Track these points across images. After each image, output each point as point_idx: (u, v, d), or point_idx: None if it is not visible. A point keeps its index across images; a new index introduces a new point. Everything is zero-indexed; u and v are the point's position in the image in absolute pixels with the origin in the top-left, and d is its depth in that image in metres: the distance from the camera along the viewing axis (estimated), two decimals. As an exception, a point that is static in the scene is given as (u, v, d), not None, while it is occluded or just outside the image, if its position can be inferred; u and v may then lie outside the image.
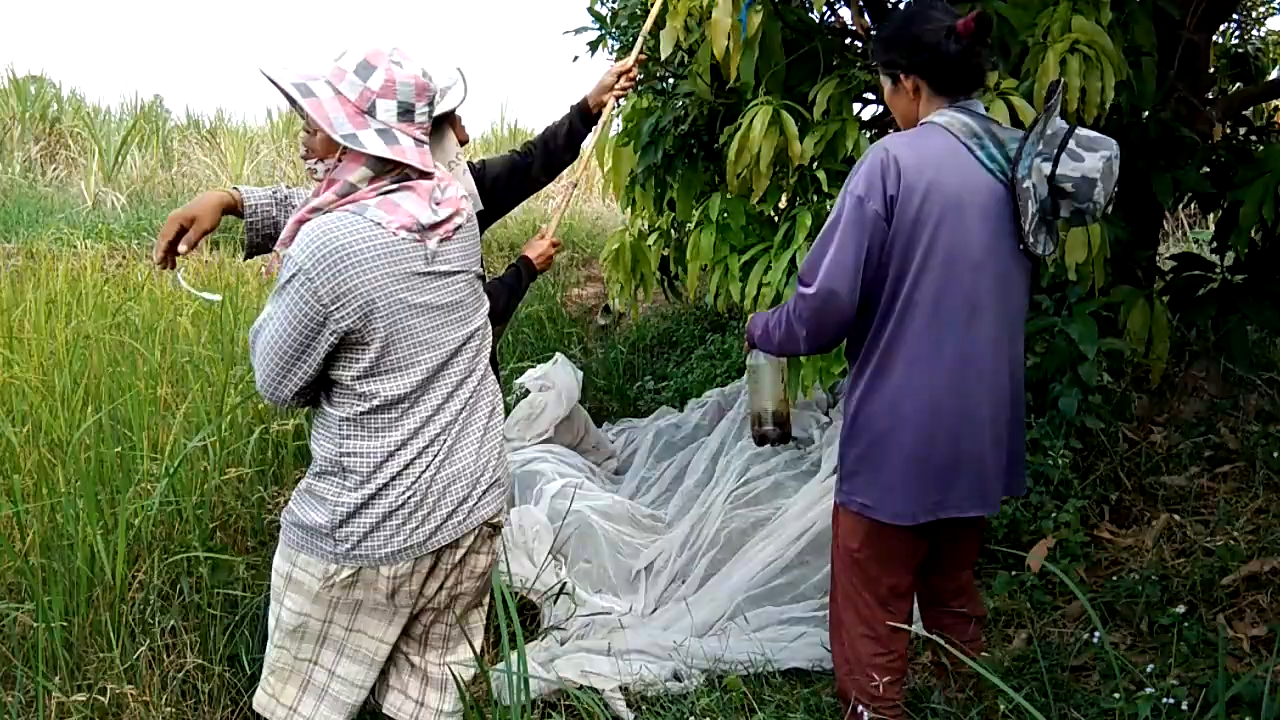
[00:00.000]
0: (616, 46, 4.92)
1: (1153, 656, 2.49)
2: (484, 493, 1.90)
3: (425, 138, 1.76)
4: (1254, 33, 4.91)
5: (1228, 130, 3.66)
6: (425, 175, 1.76)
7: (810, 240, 3.06)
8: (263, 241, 2.00)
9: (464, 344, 1.84)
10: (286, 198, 1.97)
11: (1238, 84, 4.26)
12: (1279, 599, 2.58)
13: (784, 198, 3.48)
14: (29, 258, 6.34)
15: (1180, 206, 4.79)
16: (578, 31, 4.91)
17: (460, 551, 1.88)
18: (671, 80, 4.33)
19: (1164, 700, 2.01)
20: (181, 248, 1.85)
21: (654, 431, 4.37)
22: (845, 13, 4.24)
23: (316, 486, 1.79)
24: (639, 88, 4.38)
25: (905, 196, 1.83)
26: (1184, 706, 2.00)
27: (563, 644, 2.76)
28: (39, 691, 1.97)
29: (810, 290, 1.90)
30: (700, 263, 3.39)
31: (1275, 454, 3.13)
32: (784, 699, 2.46)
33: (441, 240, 1.77)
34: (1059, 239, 2.02)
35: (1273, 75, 4.55)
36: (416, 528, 1.78)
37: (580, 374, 4.39)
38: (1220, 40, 4.51)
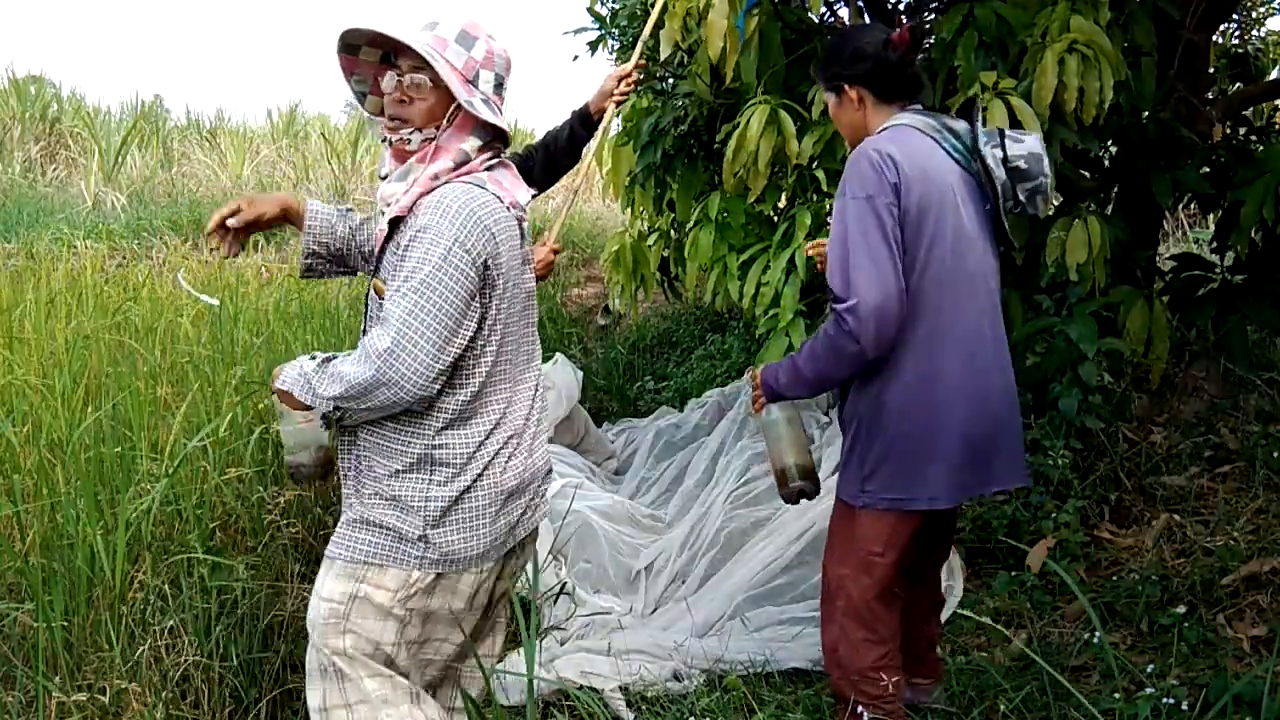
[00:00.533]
0: (616, 46, 4.93)
1: (1153, 656, 2.49)
2: (546, 487, 1.89)
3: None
4: (1254, 33, 4.91)
5: (1228, 130, 3.66)
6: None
7: (810, 239, 3.06)
8: (320, 252, 1.91)
9: (533, 333, 1.84)
10: (350, 210, 1.95)
11: (1238, 84, 4.26)
12: (1279, 599, 2.58)
13: (783, 197, 3.49)
14: (29, 258, 6.34)
15: (1180, 206, 4.79)
16: (577, 31, 4.91)
17: (525, 543, 1.86)
18: (671, 80, 4.33)
19: (1164, 700, 2.01)
20: (232, 222, 1.80)
21: (654, 431, 4.37)
22: (845, 13, 4.25)
23: (398, 487, 1.67)
24: (639, 88, 4.38)
25: (906, 186, 1.91)
26: (1184, 706, 2.00)
27: (563, 644, 2.76)
28: (39, 691, 1.96)
29: (854, 302, 1.89)
30: (699, 262, 3.39)
31: (1275, 454, 3.13)
32: (784, 699, 2.46)
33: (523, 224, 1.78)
34: (1021, 231, 2.12)
35: (1273, 75, 4.55)
36: (502, 521, 1.73)
37: (580, 374, 4.39)
38: (1220, 40, 4.52)
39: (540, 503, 1.87)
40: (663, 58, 3.28)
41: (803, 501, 2.26)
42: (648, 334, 6.37)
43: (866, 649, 2.05)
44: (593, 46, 4.93)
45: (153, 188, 11.32)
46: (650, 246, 4.26)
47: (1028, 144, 2.00)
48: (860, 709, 2.05)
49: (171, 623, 2.15)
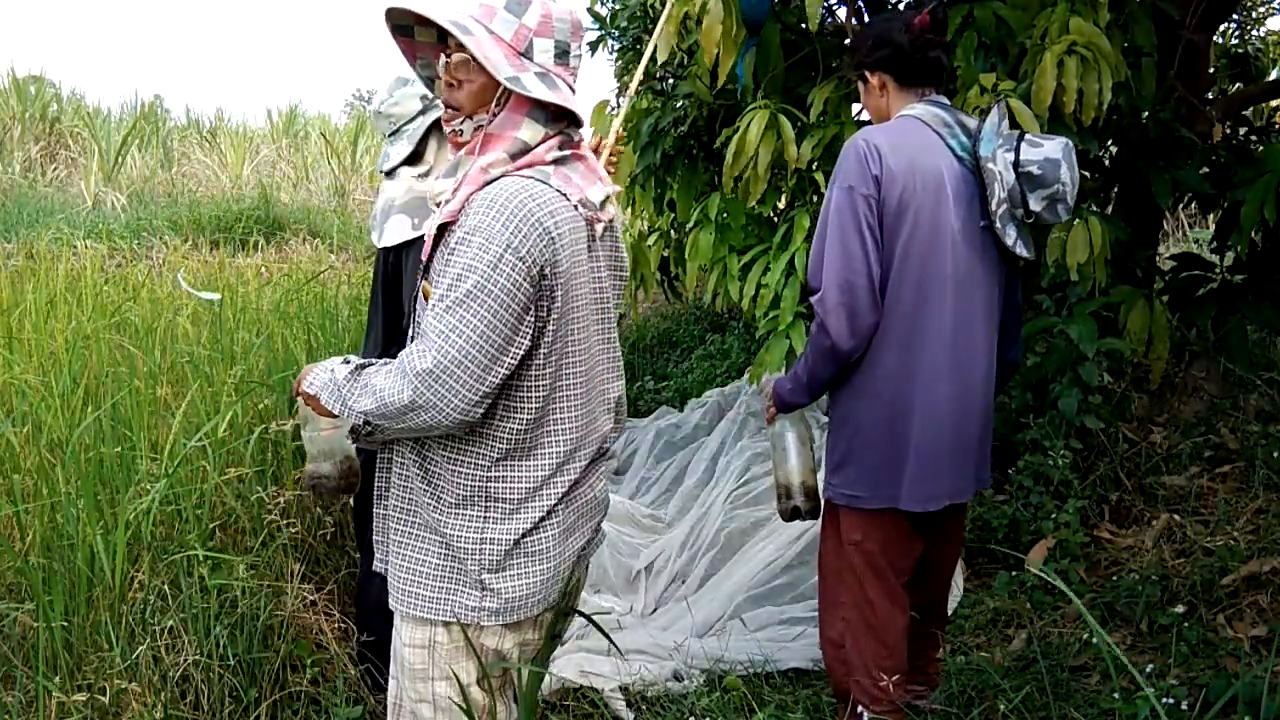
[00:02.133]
0: (616, 47, 4.93)
1: (1153, 656, 2.49)
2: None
3: (575, 87, 1.50)
4: (1254, 33, 4.92)
5: (1228, 130, 3.66)
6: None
7: (809, 241, 3.06)
8: None
9: (613, 349, 1.59)
10: None
11: (1238, 84, 4.26)
12: (1279, 599, 2.58)
13: (783, 199, 3.49)
14: (29, 258, 6.33)
15: (1180, 206, 4.79)
16: (578, 31, 4.91)
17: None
18: (671, 81, 4.33)
19: (1164, 700, 2.01)
20: None
21: (654, 431, 4.37)
22: (844, 13, 4.24)
23: (449, 525, 1.46)
24: (640, 88, 4.38)
25: (889, 179, 1.88)
26: (1184, 706, 2.00)
27: (563, 644, 2.76)
28: (39, 691, 1.96)
29: (824, 292, 1.91)
30: (699, 262, 3.39)
31: (1275, 454, 3.13)
32: (784, 699, 2.46)
33: (605, 227, 1.53)
34: (1034, 242, 2.08)
35: (1273, 75, 4.56)
36: (569, 552, 1.53)
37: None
38: (1220, 40, 4.51)
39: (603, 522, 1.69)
40: (660, 61, 3.27)
41: (796, 522, 2.26)
42: (648, 334, 6.37)
43: (867, 644, 2.05)
44: (593, 46, 4.92)
45: (153, 188, 11.33)
46: (650, 247, 4.26)
47: (1046, 149, 1.93)
48: (860, 709, 2.05)
49: (171, 623, 2.15)
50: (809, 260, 2.00)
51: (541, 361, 1.43)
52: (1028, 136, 1.96)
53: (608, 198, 1.53)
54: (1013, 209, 1.96)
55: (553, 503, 1.48)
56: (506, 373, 1.39)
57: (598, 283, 1.53)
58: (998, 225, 1.97)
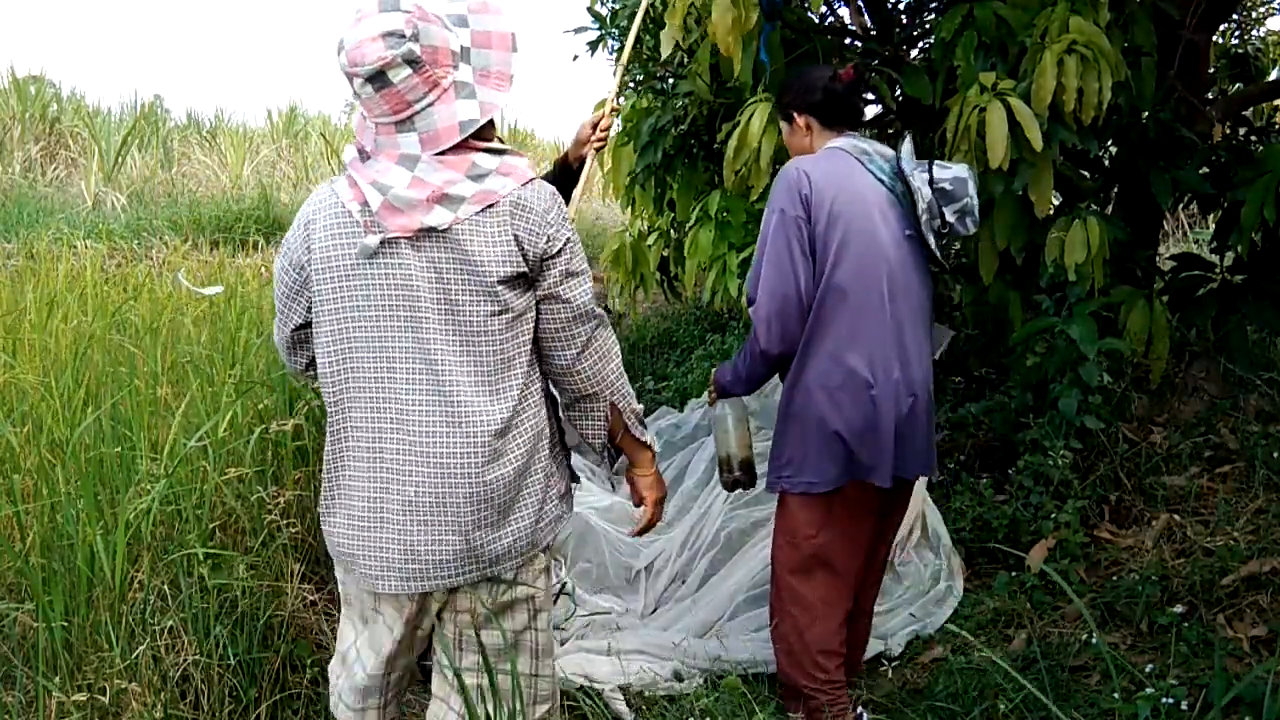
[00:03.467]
0: (616, 46, 4.93)
1: (1153, 656, 2.49)
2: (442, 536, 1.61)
3: (380, 116, 1.55)
4: (1254, 33, 4.92)
5: (1228, 130, 3.66)
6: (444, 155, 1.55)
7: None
8: None
9: (434, 351, 1.56)
10: None
11: (1238, 84, 4.26)
12: (1279, 599, 2.58)
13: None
14: (29, 258, 6.33)
15: (1180, 206, 4.79)
16: (578, 31, 4.91)
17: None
18: (671, 80, 4.34)
19: (1164, 700, 2.01)
20: None
21: (654, 431, 4.37)
22: (844, 12, 4.25)
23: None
24: (639, 87, 4.38)
25: (819, 200, 2.11)
26: (1184, 706, 2.00)
27: (563, 644, 2.76)
28: (39, 691, 1.96)
29: (758, 303, 2.15)
30: (699, 260, 3.39)
31: (1275, 454, 3.13)
32: (783, 699, 2.46)
33: (402, 219, 1.53)
34: (951, 251, 2.36)
35: (1273, 75, 4.56)
36: (354, 555, 1.65)
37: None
38: (1220, 40, 4.52)
39: (424, 555, 1.61)
40: (664, 57, 3.27)
41: (738, 491, 2.49)
42: (648, 334, 6.37)
43: (823, 629, 2.22)
44: (593, 46, 4.92)
45: (153, 188, 11.32)
46: (650, 246, 4.26)
47: (954, 170, 2.20)
48: (814, 701, 2.21)
49: (171, 623, 2.15)
50: (750, 274, 2.22)
51: (319, 344, 1.64)
52: (936, 162, 2.22)
53: (452, 199, 1.53)
54: (931, 220, 2.20)
55: (337, 487, 1.66)
56: (288, 332, 1.71)
57: (404, 281, 1.55)
58: (925, 231, 2.19)
